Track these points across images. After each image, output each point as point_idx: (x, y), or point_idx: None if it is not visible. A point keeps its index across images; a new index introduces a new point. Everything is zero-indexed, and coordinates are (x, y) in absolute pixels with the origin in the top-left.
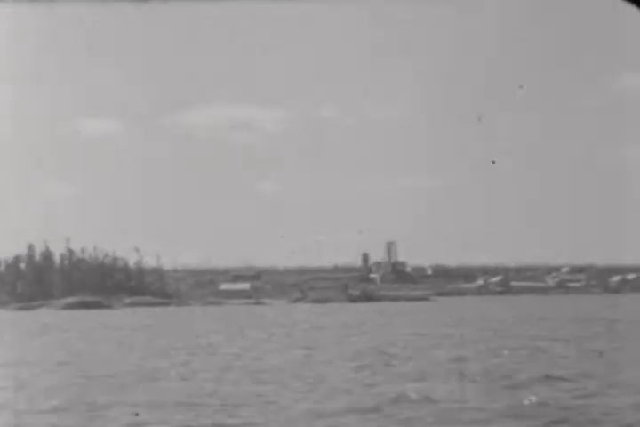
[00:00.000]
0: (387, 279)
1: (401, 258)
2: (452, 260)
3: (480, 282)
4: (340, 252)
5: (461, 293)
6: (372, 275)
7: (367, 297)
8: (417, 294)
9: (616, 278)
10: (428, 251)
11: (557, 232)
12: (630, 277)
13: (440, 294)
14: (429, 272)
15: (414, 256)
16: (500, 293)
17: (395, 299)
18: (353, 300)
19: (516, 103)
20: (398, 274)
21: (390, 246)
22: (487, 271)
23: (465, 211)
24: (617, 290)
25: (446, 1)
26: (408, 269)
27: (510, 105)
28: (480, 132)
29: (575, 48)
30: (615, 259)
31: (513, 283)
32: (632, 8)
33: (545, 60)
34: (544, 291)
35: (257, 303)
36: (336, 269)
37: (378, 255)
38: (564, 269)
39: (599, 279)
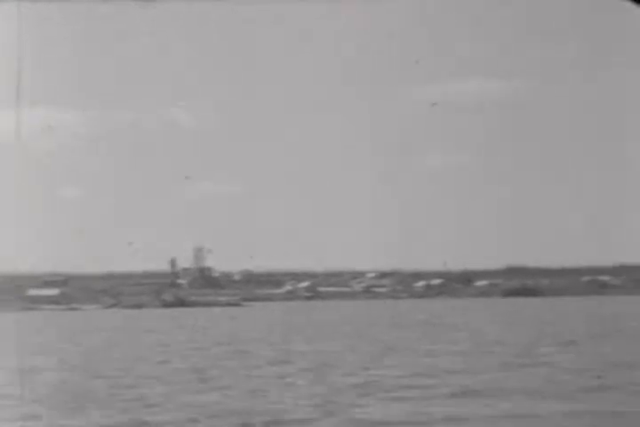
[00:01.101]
0: (195, 285)
1: (209, 264)
2: (259, 266)
3: (288, 287)
4: (147, 257)
5: (270, 298)
6: (179, 280)
7: (180, 303)
8: (230, 300)
9: (421, 284)
10: (235, 257)
11: (364, 238)
12: (435, 282)
13: (249, 300)
14: (237, 278)
15: (222, 262)
16: (308, 298)
17: (208, 304)
18: (167, 305)
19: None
20: (206, 280)
21: (198, 252)
22: (295, 277)
23: (269, 216)
24: (422, 295)
25: None
26: (216, 275)
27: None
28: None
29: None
30: (420, 265)
31: (320, 288)
32: (631, 5)
33: None
34: (351, 296)
35: (71, 309)
36: (145, 274)
37: (186, 261)
38: (370, 275)
39: (405, 284)
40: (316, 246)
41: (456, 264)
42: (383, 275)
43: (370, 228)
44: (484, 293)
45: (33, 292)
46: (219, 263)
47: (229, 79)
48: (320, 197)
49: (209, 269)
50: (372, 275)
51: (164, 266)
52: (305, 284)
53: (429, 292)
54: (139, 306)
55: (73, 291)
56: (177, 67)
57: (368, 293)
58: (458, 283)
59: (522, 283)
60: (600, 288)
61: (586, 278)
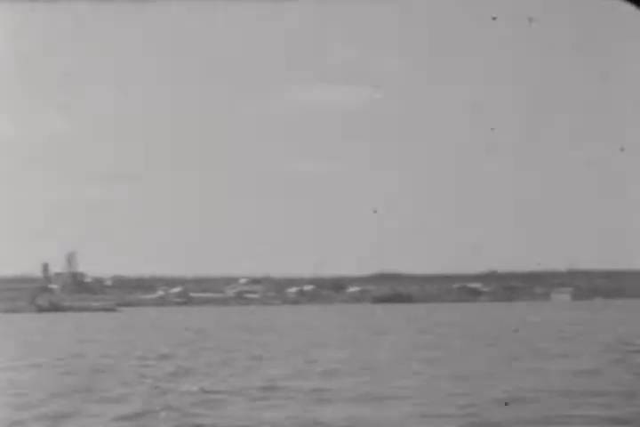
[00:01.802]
0: (66, 290)
1: (81, 269)
2: (131, 271)
3: (160, 293)
4: (17, 261)
5: (142, 303)
6: (51, 285)
7: (55, 308)
8: (105, 305)
9: (293, 290)
10: (107, 262)
11: (235, 244)
12: (307, 288)
13: (120, 305)
14: (109, 283)
15: (94, 267)
16: (180, 304)
17: (82, 309)
18: (42, 310)
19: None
20: (78, 284)
21: (71, 257)
22: (167, 283)
23: (147, 222)
24: (295, 301)
25: None
26: (88, 280)
27: None
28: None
29: None
30: (292, 271)
31: (192, 294)
32: (631, 7)
33: None
34: (224, 302)
35: None
36: (20, 279)
37: (58, 266)
38: (242, 281)
39: (277, 291)
40: (189, 252)
41: (329, 270)
42: (255, 281)
43: (242, 234)
44: (355, 299)
45: None
46: (90, 268)
47: None
48: (193, 204)
49: (81, 274)
50: (244, 281)
51: (34, 270)
52: (177, 289)
53: (302, 298)
54: (14, 311)
55: None
56: None
57: (240, 299)
58: (330, 289)
59: (393, 289)
60: (470, 295)
61: (457, 285)
